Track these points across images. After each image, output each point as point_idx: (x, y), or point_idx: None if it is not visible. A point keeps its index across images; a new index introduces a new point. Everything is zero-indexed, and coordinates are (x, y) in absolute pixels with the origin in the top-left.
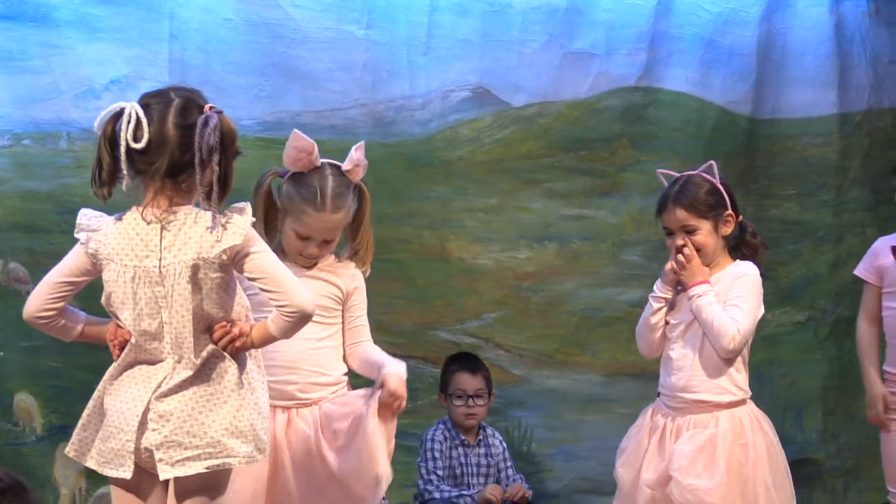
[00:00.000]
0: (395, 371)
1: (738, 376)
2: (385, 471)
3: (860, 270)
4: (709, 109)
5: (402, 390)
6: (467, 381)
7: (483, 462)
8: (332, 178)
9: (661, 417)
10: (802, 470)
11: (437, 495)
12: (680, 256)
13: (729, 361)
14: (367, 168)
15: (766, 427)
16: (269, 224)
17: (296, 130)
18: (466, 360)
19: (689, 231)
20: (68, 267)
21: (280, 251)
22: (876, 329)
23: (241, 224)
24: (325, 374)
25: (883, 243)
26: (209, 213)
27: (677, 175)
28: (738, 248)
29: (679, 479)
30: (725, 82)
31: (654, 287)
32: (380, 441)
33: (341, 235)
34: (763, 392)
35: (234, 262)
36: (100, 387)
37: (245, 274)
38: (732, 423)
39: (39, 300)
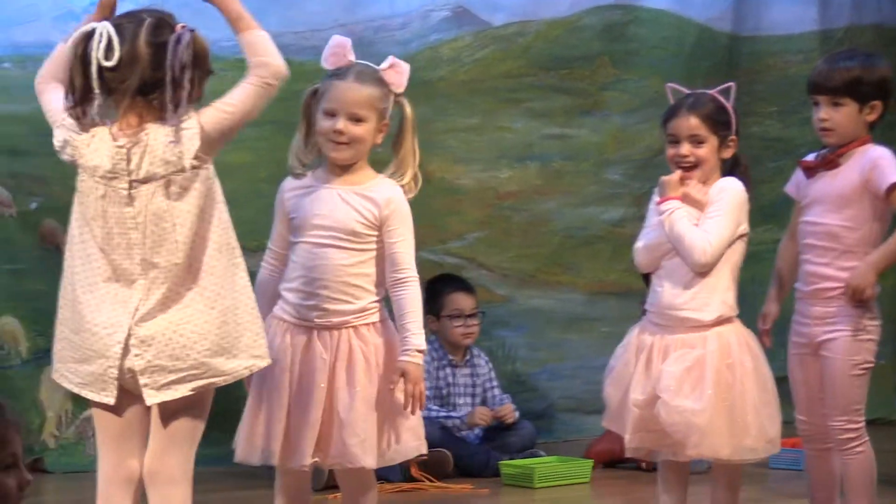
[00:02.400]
0: (413, 364)
1: (727, 294)
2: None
3: (788, 187)
4: (689, 27)
5: (419, 389)
6: (464, 301)
7: (469, 382)
8: (361, 65)
9: (649, 336)
10: (786, 386)
11: (424, 412)
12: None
13: (705, 275)
14: (408, 77)
15: (752, 345)
16: (308, 142)
17: (335, 35)
18: (459, 281)
19: (697, 141)
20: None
21: (327, 166)
22: (794, 249)
23: (191, 124)
24: (348, 301)
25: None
26: (169, 128)
27: (689, 90)
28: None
29: (667, 399)
30: None
31: (652, 204)
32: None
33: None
34: (745, 309)
35: (205, 151)
36: (71, 293)
37: (217, 121)
38: (720, 343)
39: None
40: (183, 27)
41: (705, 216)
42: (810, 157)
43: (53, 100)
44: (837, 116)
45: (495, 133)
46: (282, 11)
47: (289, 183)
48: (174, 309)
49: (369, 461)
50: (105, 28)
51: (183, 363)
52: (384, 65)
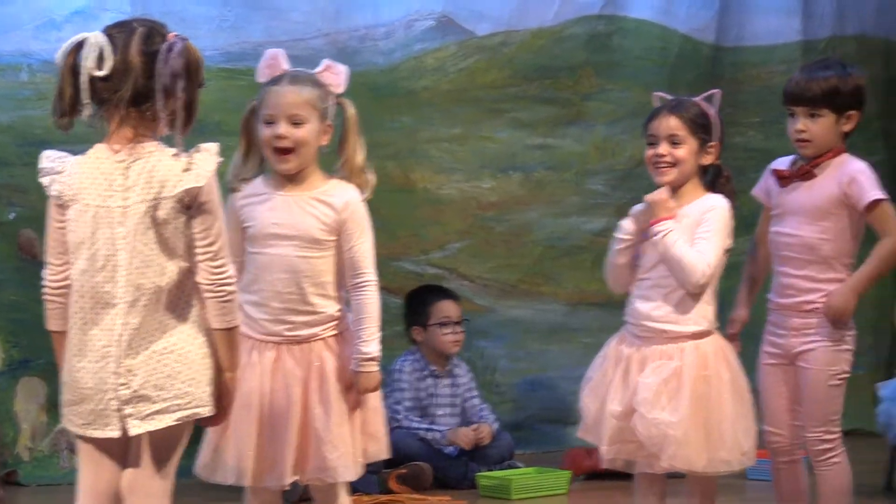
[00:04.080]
0: (365, 373)
1: (706, 308)
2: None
3: (755, 190)
4: (672, 37)
5: (370, 390)
6: (452, 309)
7: (449, 393)
8: (294, 69)
9: (627, 347)
10: (757, 398)
11: (405, 424)
12: (651, 195)
13: (697, 295)
14: (346, 79)
15: (730, 357)
16: (249, 156)
17: (268, 49)
18: (444, 290)
19: (675, 142)
20: (49, 226)
21: (275, 177)
22: (762, 252)
23: (205, 166)
24: (315, 311)
25: (775, 163)
26: (173, 150)
27: (674, 97)
28: (712, 187)
29: (643, 412)
30: (689, 10)
31: (620, 224)
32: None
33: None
34: (726, 319)
35: (191, 206)
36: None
37: (193, 227)
38: (697, 355)
39: (49, 272)
40: (175, 36)
41: (697, 236)
42: (782, 164)
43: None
44: (815, 127)
45: (478, 143)
46: (265, 21)
47: (240, 191)
48: (158, 336)
49: (349, 475)
50: (96, 38)
51: (167, 393)
52: (319, 68)
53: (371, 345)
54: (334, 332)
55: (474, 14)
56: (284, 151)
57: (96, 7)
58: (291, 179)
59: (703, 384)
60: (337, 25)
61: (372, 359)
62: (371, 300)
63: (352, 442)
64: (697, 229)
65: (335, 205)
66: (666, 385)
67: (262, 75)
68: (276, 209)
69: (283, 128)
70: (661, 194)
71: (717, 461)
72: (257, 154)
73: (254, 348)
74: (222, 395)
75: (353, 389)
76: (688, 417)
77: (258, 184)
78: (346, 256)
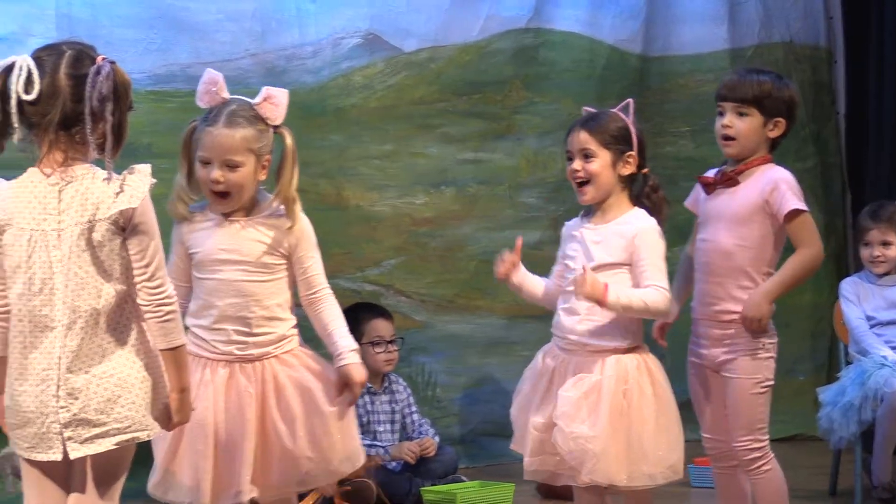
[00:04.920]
0: (355, 364)
1: (630, 323)
2: (361, 452)
3: (687, 201)
4: (600, 49)
5: (363, 380)
6: (384, 327)
7: (388, 409)
8: (234, 104)
9: (552, 360)
10: (691, 410)
11: None
12: (576, 278)
13: None
14: (286, 107)
15: (654, 370)
16: (191, 179)
17: (208, 69)
18: (377, 308)
19: (587, 156)
20: None
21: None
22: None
23: (139, 188)
24: (267, 332)
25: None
26: (105, 174)
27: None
28: (639, 199)
29: (562, 426)
30: (615, 21)
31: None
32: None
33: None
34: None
35: (125, 228)
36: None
37: (129, 249)
38: (618, 369)
39: None
40: (103, 59)
41: (640, 269)
42: (710, 173)
43: None
44: (741, 125)
45: (409, 159)
46: (192, 43)
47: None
48: (98, 360)
49: (332, 478)
50: (25, 61)
51: (107, 417)
52: (258, 98)
53: (349, 339)
54: (288, 350)
55: (401, 31)
56: (220, 195)
57: (22, 32)
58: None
59: (622, 398)
60: (264, 45)
61: (355, 350)
62: (335, 305)
63: (332, 446)
64: (636, 259)
65: (284, 229)
66: (586, 399)
67: (202, 100)
68: (222, 234)
69: (217, 172)
70: (583, 284)
71: (638, 475)
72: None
73: (206, 366)
74: (173, 413)
75: (341, 389)
76: (607, 431)
77: (202, 209)
78: (302, 277)
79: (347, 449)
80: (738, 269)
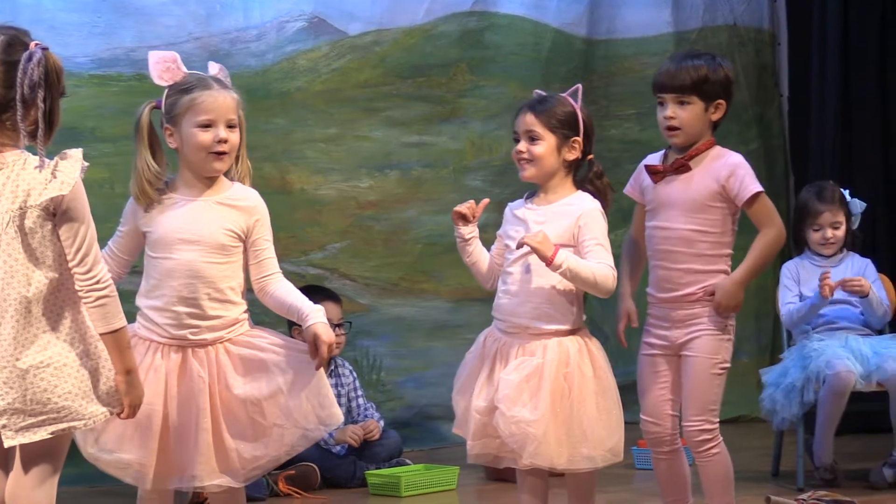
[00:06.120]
0: (322, 323)
1: (571, 307)
2: (337, 411)
3: (627, 188)
4: (545, 32)
5: (332, 340)
6: (333, 311)
7: (334, 393)
8: (205, 74)
9: (493, 343)
10: (633, 393)
11: None
12: (529, 238)
13: (561, 293)
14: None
15: (595, 353)
16: (157, 159)
17: (151, 51)
18: (325, 290)
19: (532, 138)
20: None
21: (184, 179)
22: (640, 247)
23: (70, 173)
24: (221, 316)
25: (647, 159)
26: (37, 158)
27: (544, 93)
28: (584, 185)
29: (503, 409)
30: (560, 4)
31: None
32: (328, 384)
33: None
34: (609, 313)
35: (57, 214)
36: None
37: (60, 235)
38: (559, 352)
39: None
40: (35, 45)
41: (585, 247)
42: (653, 160)
43: None
44: (684, 115)
45: (354, 143)
46: (137, 26)
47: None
48: (34, 350)
49: (305, 443)
50: None
51: (43, 407)
52: (214, 71)
53: (311, 303)
54: (239, 332)
55: (345, 14)
56: (222, 154)
57: None
58: (200, 183)
59: (564, 381)
60: (209, 29)
61: (320, 310)
62: (290, 284)
63: (301, 410)
64: (581, 239)
65: (244, 210)
66: (528, 382)
67: (162, 77)
68: (179, 214)
69: (224, 132)
70: (536, 236)
71: (578, 458)
72: (161, 154)
73: (157, 350)
74: (122, 396)
75: (313, 351)
76: (548, 415)
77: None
78: (257, 260)
79: (321, 411)
80: (699, 255)
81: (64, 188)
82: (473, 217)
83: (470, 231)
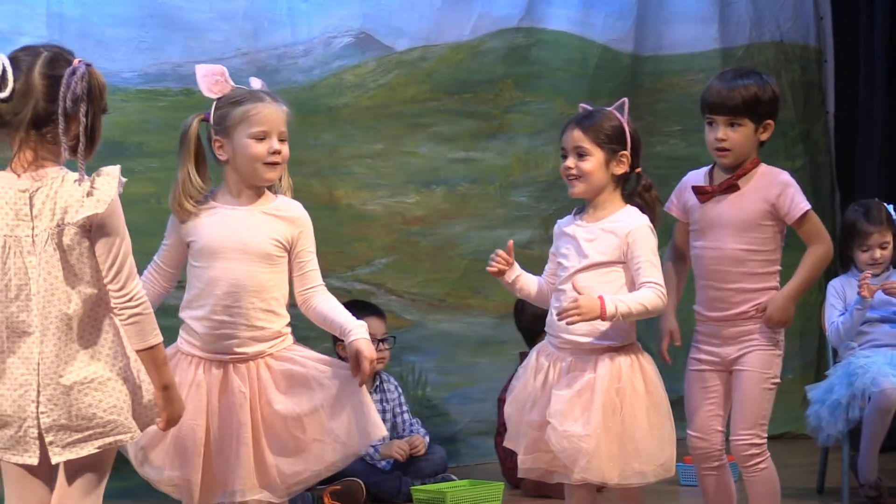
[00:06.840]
0: (364, 338)
1: (623, 323)
2: (380, 425)
3: (669, 206)
4: (591, 48)
5: (374, 355)
6: (376, 326)
7: (379, 408)
8: (256, 89)
9: (546, 359)
10: (678, 410)
11: None
12: (566, 304)
13: None
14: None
15: (647, 368)
16: (201, 172)
17: (198, 65)
18: (369, 306)
19: (581, 154)
20: None
21: (230, 190)
22: (682, 266)
23: (107, 190)
24: (263, 328)
25: (690, 177)
26: (76, 174)
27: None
28: (632, 198)
29: (555, 424)
30: (607, 20)
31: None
32: (369, 400)
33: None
34: (651, 330)
35: (92, 230)
36: None
37: (95, 250)
38: (611, 367)
39: None
40: (79, 61)
41: (636, 266)
42: (697, 178)
43: None
44: (735, 136)
45: (401, 158)
46: (184, 42)
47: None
48: (77, 366)
49: (346, 460)
50: (0, 60)
51: (89, 422)
52: (260, 86)
53: (354, 319)
54: (282, 347)
55: (392, 30)
56: (276, 165)
57: (12, 31)
58: (247, 194)
59: (616, 396)
60: (256, 44)
61: (363, 326)
62: (333, 297)
63: (343, 426)
64: (631, 257)
65: (291, 220)
66: (579, 397)
67: (212, 90)
68: (223, 224)
69: (278, 143)
70: (576, 306)
71: (630, 473)
72: (206, 167)
73: (199, 366)
74: (161, 411)
75: (355, 367)
76: (600, 430)
77: (204, 200)
78: (301, 272)
79: (363, 426)
80: (750, 273)
81: (100, 206)
82: (508, 265)
83: (512, 275)
